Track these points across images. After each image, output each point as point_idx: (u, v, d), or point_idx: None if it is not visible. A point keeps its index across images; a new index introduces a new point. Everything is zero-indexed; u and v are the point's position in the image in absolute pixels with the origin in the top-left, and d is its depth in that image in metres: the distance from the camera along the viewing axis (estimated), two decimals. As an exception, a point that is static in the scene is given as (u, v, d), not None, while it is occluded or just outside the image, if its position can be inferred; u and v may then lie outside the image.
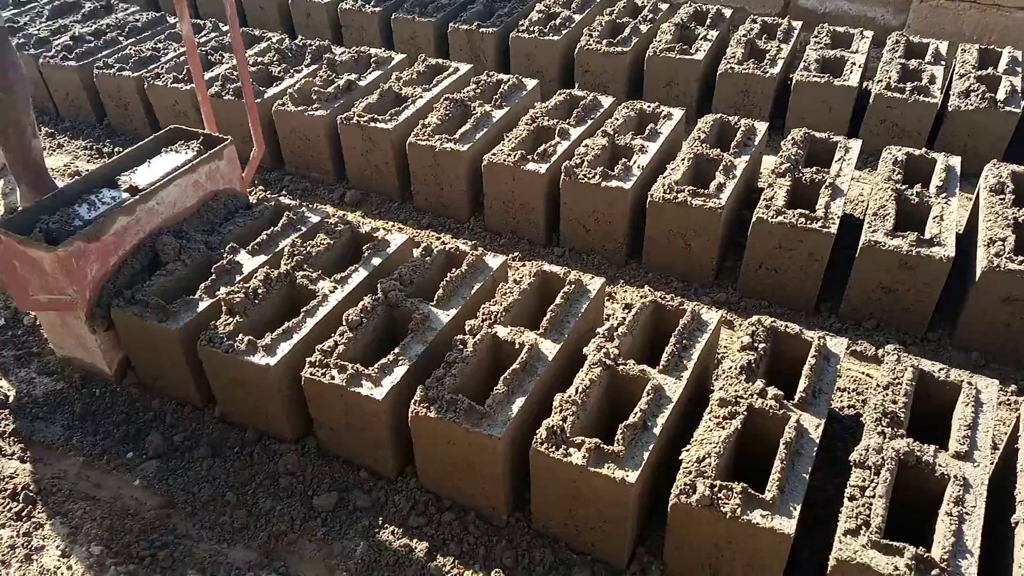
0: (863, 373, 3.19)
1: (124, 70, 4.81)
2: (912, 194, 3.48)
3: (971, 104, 4.29)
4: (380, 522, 2.63)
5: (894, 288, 3.29)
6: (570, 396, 2.51)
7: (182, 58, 4.85)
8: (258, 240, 3.26)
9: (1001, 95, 4.32)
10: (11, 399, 3.11)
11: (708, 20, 5.29)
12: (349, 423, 2.72)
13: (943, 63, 4.74)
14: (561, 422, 2.42)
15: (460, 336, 2.74)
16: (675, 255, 3.68)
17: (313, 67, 4.82)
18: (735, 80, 4.73)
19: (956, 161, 3.71)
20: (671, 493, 2.28)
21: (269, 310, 2.99)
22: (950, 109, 4.32)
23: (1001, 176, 3.54)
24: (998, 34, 5.37)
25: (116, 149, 4.83)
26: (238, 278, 3.09)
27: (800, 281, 3.46)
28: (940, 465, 2.29)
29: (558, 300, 2.88)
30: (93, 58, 5.02)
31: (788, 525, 2.15)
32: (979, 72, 4.54)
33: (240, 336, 2.79)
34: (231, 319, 2.86)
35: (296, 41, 5.07)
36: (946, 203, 3.43)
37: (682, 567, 2.42)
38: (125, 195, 3.19)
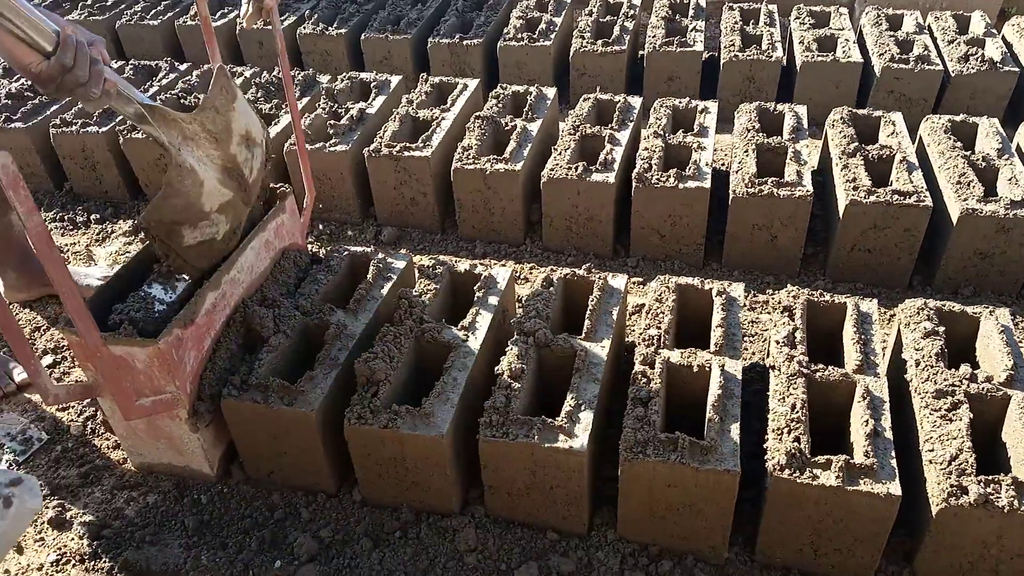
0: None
1: (88, 126, 4.22)
2: (979, 159, 3.56)
3: (972, 68, 4.45)
4: (598, 586, 2.38)
5: (990, 253, 3.34)
6: (788, 414, 2.35)
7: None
8: (355, 297, 2.90)
9: (997, 56, 4.52)
10: (101, 527, 2.61)
11: (691, 11, 5.26)
12: (535, 483, 2.45)
13: (925, 32, 4.91)
14: (795, 443, 2.26)
15: (639, 368, 2.53)
16: (759, 249, 3.59)
17: (305, 99, 4.41)
18: (740, 67, 4.72)
19: (996, 122, 3.83)
20: (934, 498, 2.17)
21: (404, 373, 2.66)
22: (953, 75, 4.48)
23: (1049, 132, 3.68)
24: (947, 1, 5.64)
25: (92, 217, 4.23)
26: (351, 343, 2.73)
27: (895, 258, 3.45)
28: None
29: (719, 315, 2.72)
30: (41, 116, 4.37)
31: (1073, 509, 2.08)
32: (965, 37, 4.74)
33: (394, 407, 2.45)
34: (372, 389, 2.51)
35: (275, 73, 4.63)
36: (1011, 163, 3.52)
37: (936, 572, 2.31)
38: (194, 267, 2.76)
